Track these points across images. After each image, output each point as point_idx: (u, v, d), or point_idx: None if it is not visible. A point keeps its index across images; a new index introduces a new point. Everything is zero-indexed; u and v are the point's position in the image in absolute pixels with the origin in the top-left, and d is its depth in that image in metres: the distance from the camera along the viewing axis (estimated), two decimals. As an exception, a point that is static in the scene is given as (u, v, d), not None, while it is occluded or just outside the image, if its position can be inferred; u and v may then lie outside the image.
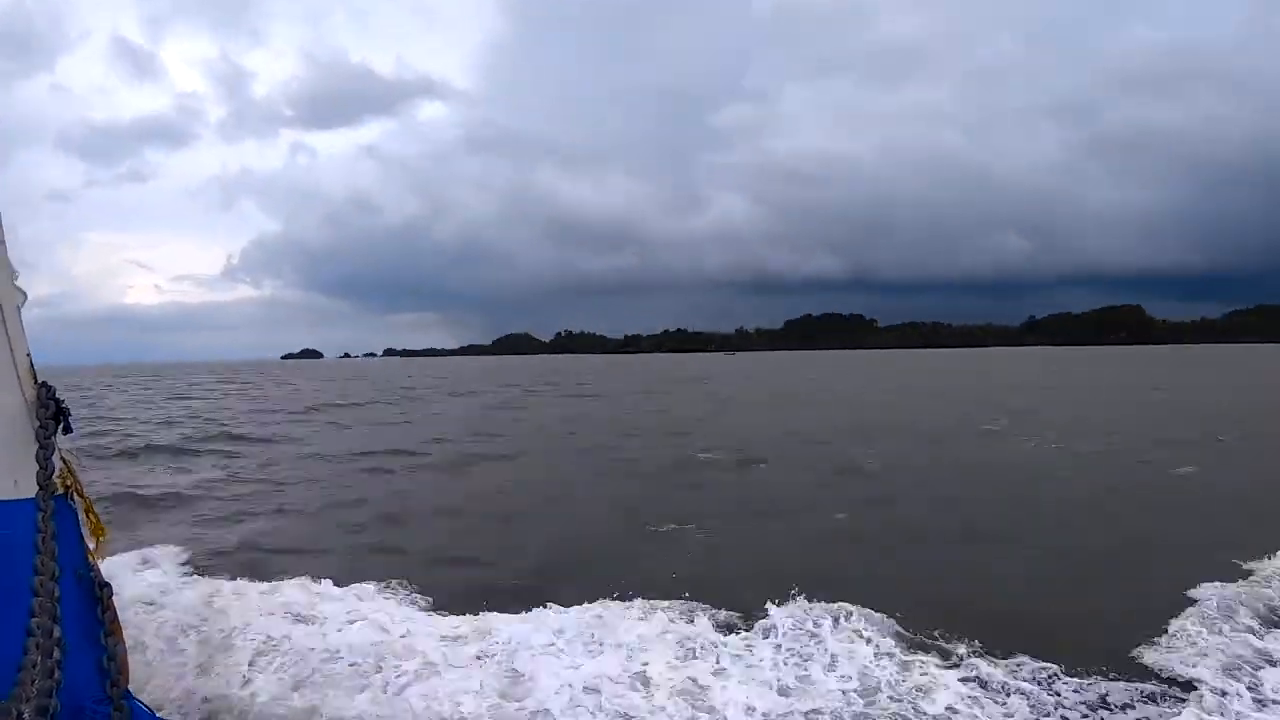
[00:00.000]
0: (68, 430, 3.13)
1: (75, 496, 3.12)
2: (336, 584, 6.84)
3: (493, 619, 5.88)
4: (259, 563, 8.19)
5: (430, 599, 6.69)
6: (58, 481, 2.95)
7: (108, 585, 2.94)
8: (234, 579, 7.01)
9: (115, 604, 2.97)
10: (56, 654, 2.41)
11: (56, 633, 2.47)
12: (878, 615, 5.82)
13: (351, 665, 5.05)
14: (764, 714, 4.50)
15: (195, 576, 7.39)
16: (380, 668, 5.01)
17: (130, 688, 2.96)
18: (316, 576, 6.99)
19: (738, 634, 5.66)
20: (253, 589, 6.67)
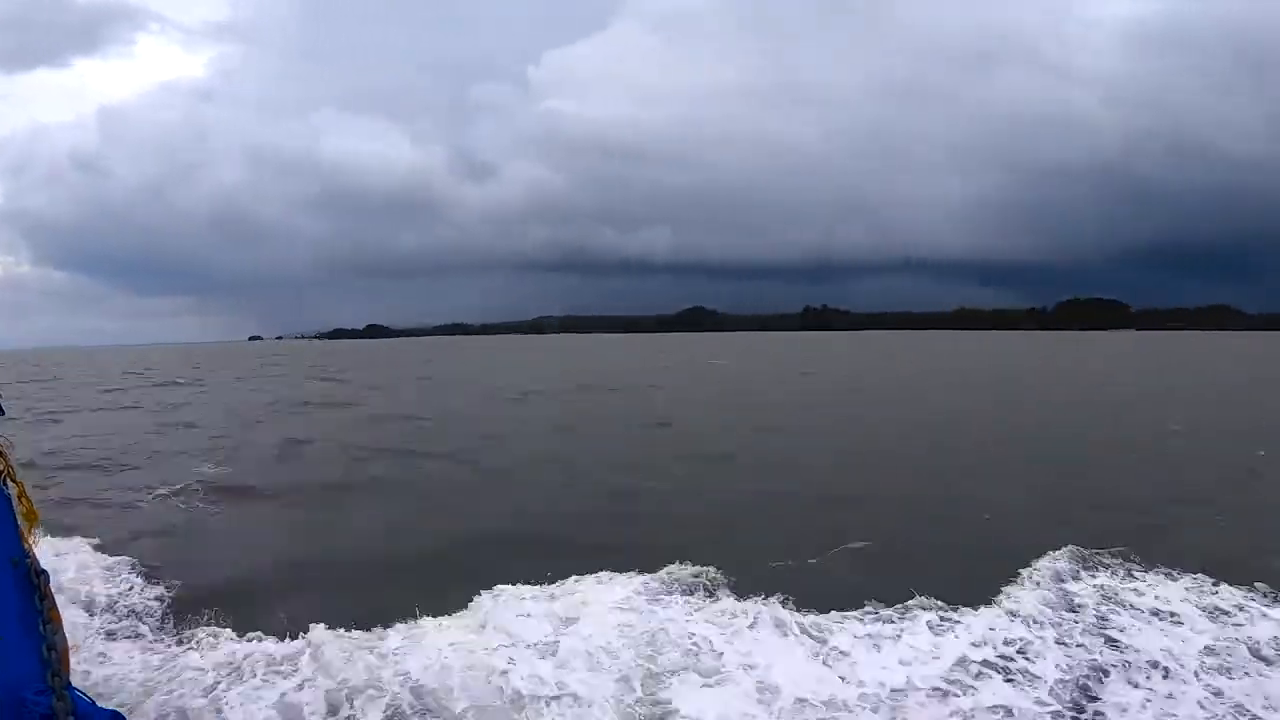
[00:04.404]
0: (0, 413, 3.01)
1: (9, 481, 3.00)
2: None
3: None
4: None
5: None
6: None
7: (45, 573, 2.83)
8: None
9: (53, 591, 2.84)
10: None
11: None
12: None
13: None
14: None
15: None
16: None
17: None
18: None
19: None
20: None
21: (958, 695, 4.89)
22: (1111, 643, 5.54)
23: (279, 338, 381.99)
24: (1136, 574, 6.92)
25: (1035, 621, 5.84)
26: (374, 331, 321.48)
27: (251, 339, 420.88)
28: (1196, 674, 5.12)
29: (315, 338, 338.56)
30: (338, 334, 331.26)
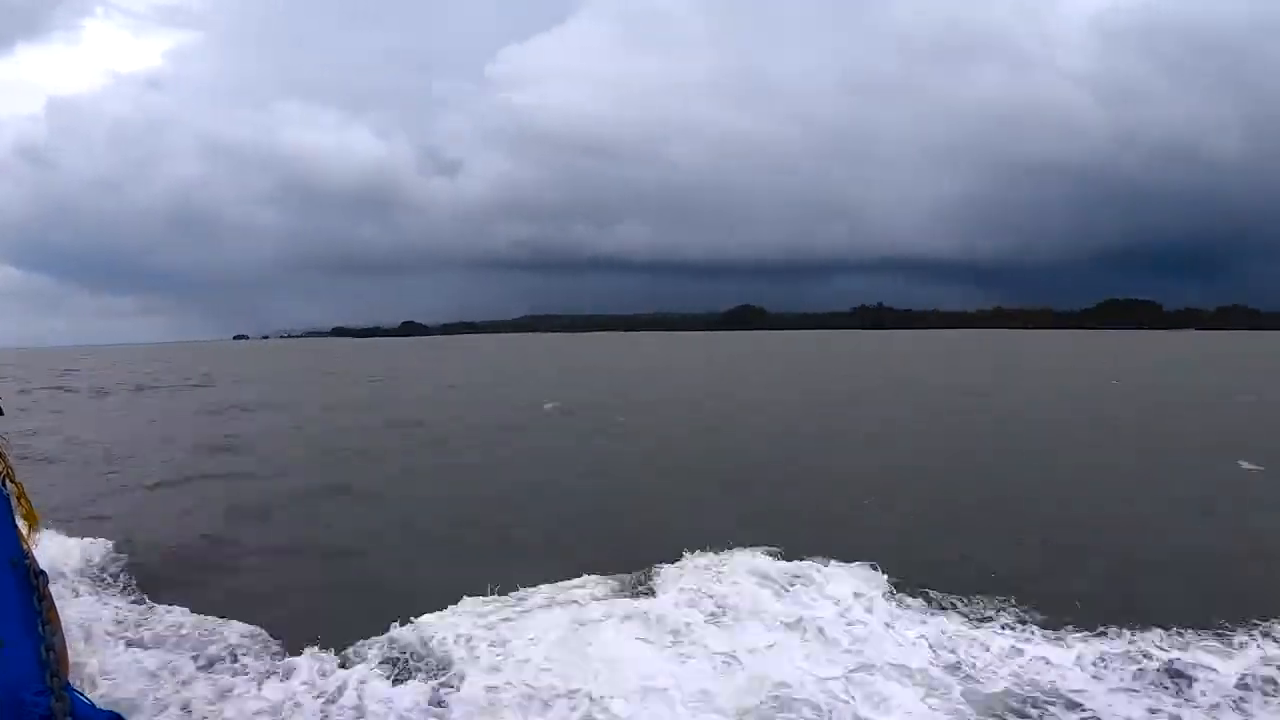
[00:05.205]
0: None
1: (8, 482, 3.01)
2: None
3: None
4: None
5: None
6: None
7: (44, 573, 2.76)
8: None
9: (51, 592, 2.81)
10: None
11: None
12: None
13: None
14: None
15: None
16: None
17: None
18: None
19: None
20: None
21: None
22: None
23: (264, 337, 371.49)
24: None
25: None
26: (409, 329, 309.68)
27: (237, 338, 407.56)
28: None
29: (306, 336, 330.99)
30: (339, 331, 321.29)
